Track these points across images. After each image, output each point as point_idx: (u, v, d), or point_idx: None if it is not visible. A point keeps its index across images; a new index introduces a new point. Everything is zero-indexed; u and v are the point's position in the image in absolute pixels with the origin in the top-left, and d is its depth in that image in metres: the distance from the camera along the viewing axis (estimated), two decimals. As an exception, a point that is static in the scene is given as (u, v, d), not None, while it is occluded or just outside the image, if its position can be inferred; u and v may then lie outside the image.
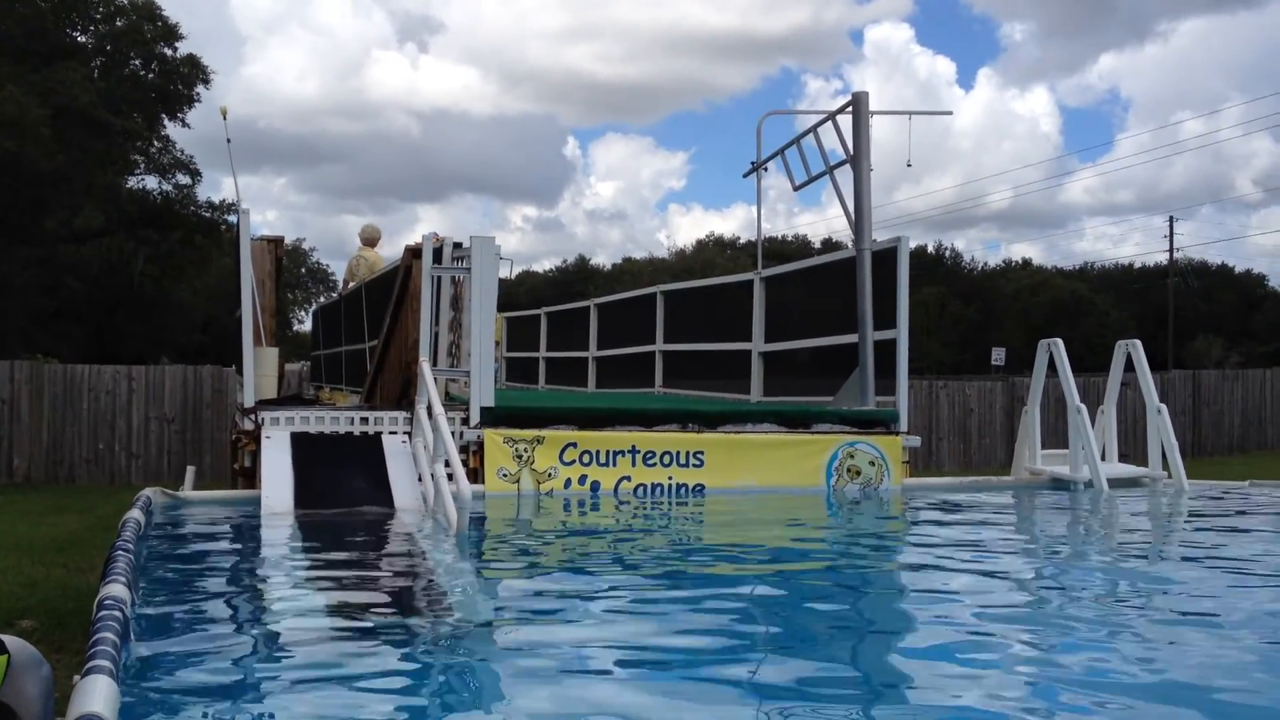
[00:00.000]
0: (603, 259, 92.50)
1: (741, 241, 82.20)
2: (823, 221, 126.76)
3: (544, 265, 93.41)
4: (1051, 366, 10.53)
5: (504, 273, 10.26)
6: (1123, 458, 11.28)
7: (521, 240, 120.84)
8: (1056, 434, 12.54)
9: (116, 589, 4.24)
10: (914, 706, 3.96)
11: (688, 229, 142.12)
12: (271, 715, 3.80)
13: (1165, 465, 10.35)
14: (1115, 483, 10.03)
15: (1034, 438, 10.67)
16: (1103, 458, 10.25)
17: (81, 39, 34.48)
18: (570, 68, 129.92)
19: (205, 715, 3.73)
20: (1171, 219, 67.26)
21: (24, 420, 18.55)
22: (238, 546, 7.48)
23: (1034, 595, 6.06)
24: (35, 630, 7.49)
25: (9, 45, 27.82)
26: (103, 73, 33.26)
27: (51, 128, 26.98)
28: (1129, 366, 10.72)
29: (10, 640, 3.97)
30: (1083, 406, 10.02)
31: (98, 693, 3.01)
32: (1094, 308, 70.69)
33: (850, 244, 11.23)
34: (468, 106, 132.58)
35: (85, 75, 30.79)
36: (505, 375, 21.93)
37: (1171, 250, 66.37)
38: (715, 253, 79.38)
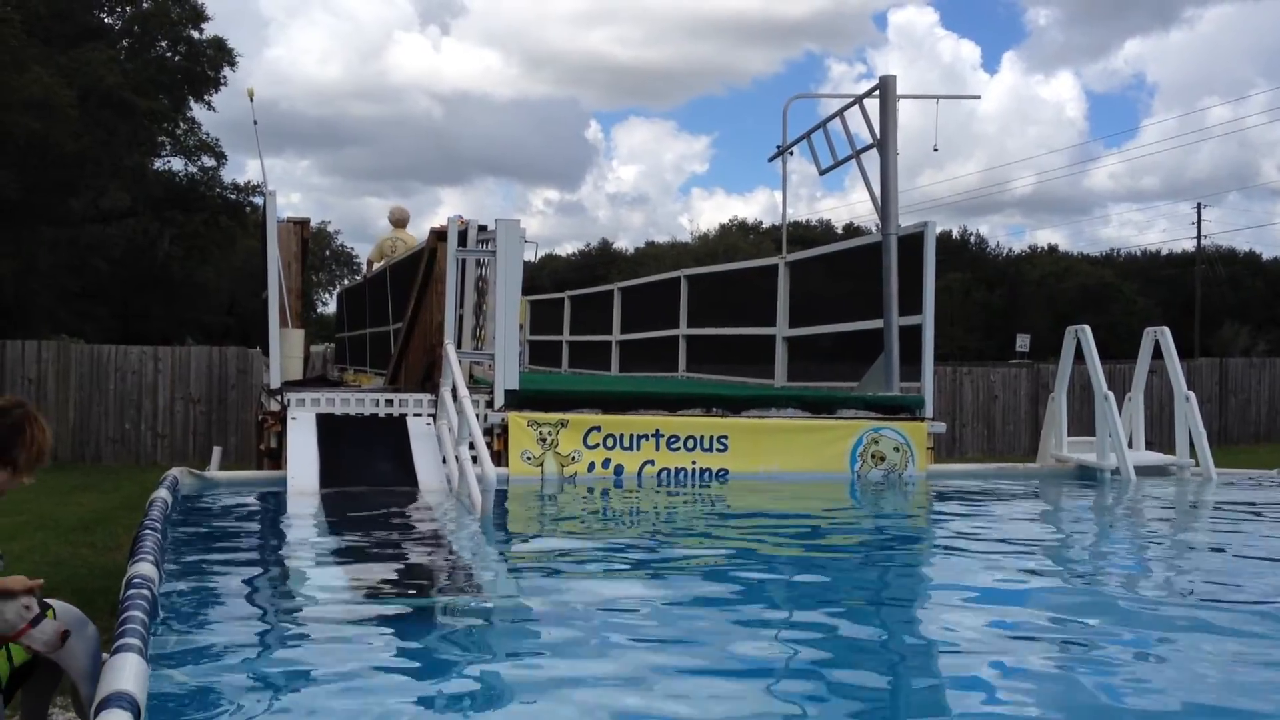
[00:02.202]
0: (625, 243, 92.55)
1: (765, 225, 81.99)
2: (845, 206, 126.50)
3: (566, 249, 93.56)
4: (1078, 353, 10.46)
5: (528, 256, 10.25)
6: (1149, 446, 11.20)
7: (543, 223, 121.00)
8: (1082, 421, 12.46)
9: (144, 568, 4.26)
10: (939, 695, 3.95)
11: (710, 213, 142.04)
12: (296, 692, 3.82)
13: (1193, 453, 10.27)
14: (1142, 471, 9.96)
15: (1060, 425, 10.61)
16: (1129, 445, 10.18)
17: (108, 20, 34.60)
18: (592, 51, 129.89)
19: (232, 692, 3.74)
20: (1199, 205, 66.63)
21: (50, 399, 18.66)
22: (263, 527, 7.51)
23: (1065, 585, 6.03)
24: (62, 608, 7.53)
25: (37, 26, 27.92)
26: (129, 54, 33.37)
27: (78, 109, 27.08)
28: (1156, 354, 10.64)
29: (56, 603, 4.03)
30: (1110, 394, 9.94)
31: (127, 670, 3.02)
32: (1120, 295, 70.25)
33: (875, 229, 11.17)
34: (489, 89, 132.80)
35: (112, 57, 30.87)
36: (529, 358, 21.96)
37: (1199, 237, 65.84)
38: (738, 237, 79.20)
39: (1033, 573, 6.25)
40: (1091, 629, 4.83)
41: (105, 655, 3.58)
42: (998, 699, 3.80)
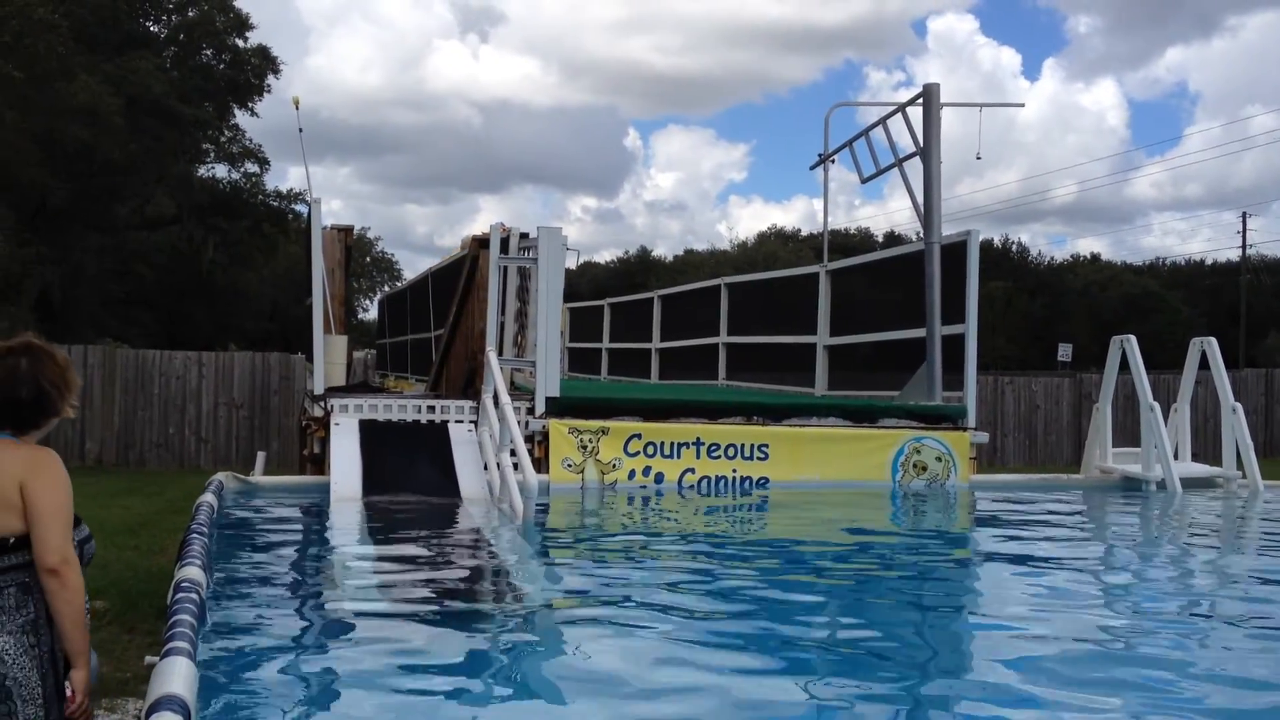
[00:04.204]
0: (663, 250, 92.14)
1: (803, 234, 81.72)
2: (884, 215, 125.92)
3: (604, 256, 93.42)
4: (1123, 363, 10.37)
5: (569, 263, 10.26)
6: (1194, 457, 11.08)
7: (581, 231, 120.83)
8: (1125, 432, 12.36)
9: (193, 572, 4.30)
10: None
11: (748, 221, 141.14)
12: (340, 694, 3.84)
13: (1239, 465, 10.16)
14: (1188, 483, 9.85)
15: (1105, 436, 10.52)
16: (1175, 457, 10.08)
17: (154, 29, 34.95)
18: (630, 59, 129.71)
19: (278, 694, 3.77)
20: (1244, 214, 65.79)
21: (96, 404, 18.86)
22: (308, 532, 7.56)
23: (1109, 598, 5.97)
24: (107, 611, 7.60)
25: (83, 34, 28.23)
26: (175, 62, 33.70)
27: (124, 117, 27.34)
28: (1203, 364, 10.54)
29: None
30: (1156, 404, 9.85)
31: (177, 673, 3.05)
32: (1164, 304, 69.50)
33: (916, 237, 11.12)
34: (528, 97, 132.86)
35: (158, 65, 31.18)
36: (568, 365, 21.99)
37: (1244, 246, 65.06)
38: (777, 245, 78.91)
39: (1077, 585, 6.20)
40: (1136, 642, 4.79)
41: (149, 657, 3.58)
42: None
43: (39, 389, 3.37)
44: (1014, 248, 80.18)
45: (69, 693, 3.28)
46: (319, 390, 9.48)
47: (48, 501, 3.27)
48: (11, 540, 3.24)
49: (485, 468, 8.58)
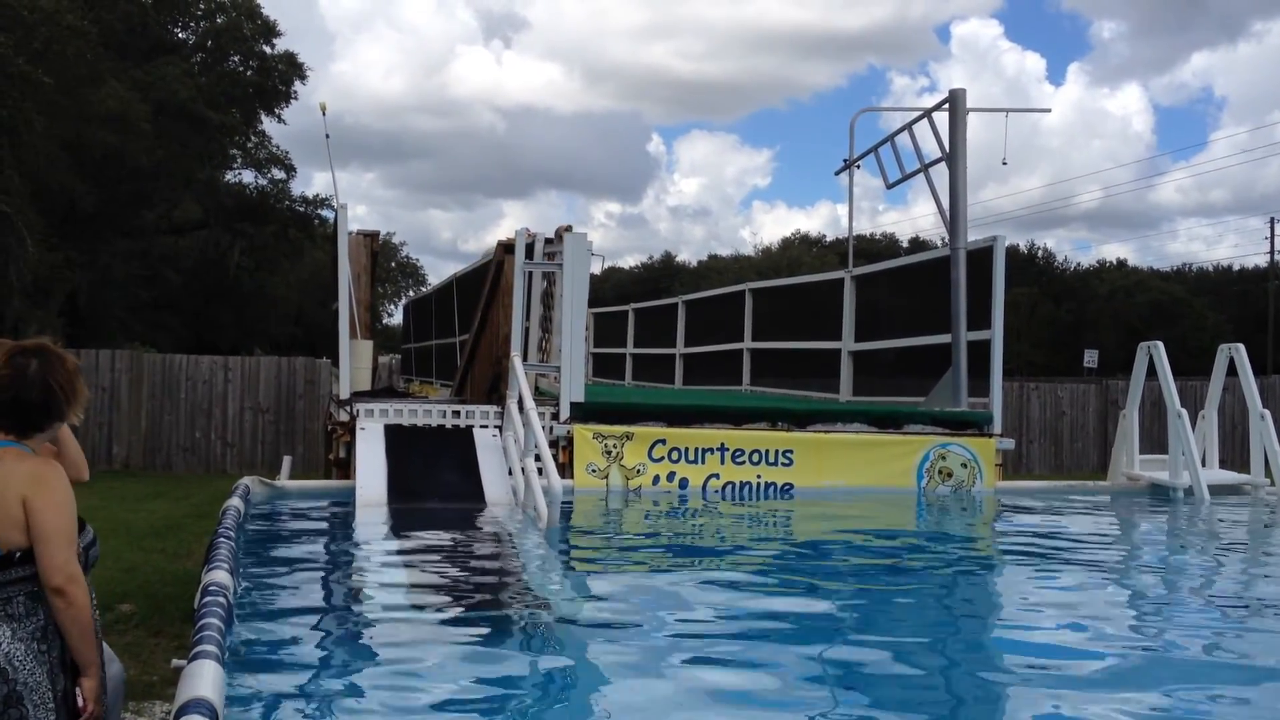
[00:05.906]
0: (686, 255, 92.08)
1: (827, 239, 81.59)
2: (908, 221, 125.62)
3: (628, 262, 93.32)
4: (1150, 370, 10.31)
5: (594, 269, 10.28)
6: (1222, 464, 11.00)
7: (605, 236, 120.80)
8: (1152, 439, 12.28)
9: (220, 575, 4.32)
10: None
11: (771, 226, 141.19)
12: (364, 698, 3.85)
13: (1268, 472, 10.08)
14: (1216, 490, 9.78)
15: (1132, 442, 10.45)
16: (1203, 464, 10.01)
17: (181, 35, 35.18)
18: (653, 65, 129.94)
19: (303, 698, 3.78)
20: (1272, 220, 65.26)
21: (123, 408, 18.98)
22: (333, 536, 7.58)
23: (1142, 610, 5.93)
24: (134, 614, 7.65)
25: (112, 40, 28.40)
26: (202, 68, 33.90)
27: (152, 123, 27.51)
28: (1231, 371, 10.46)
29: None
30: (1183, 411, 9.79)
31: (205, 676, 3.07)
32: (1191, 310, 69.05)
33: (942, 242, 11.09)
34: (552, 103, 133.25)
35: (185, 71, 31.38)
36: (592, 371, 22.01)
37: (1272, 252, 64.52)
38: (801, 251, 78.81)
39: (1105, 594, 6.16)
40: (1165, 652, 4.76)
41: (175, 660, 3.59)
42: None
43: (47, 391, 3.38)
44: (1039, 253, 79.81)
45: (80, 702, 3.29)
46: (344, 395, 9.52)
47: (50, 521, 3.26)
48: (18, 554, 3.25)
49: (510, 473, 8.60)
